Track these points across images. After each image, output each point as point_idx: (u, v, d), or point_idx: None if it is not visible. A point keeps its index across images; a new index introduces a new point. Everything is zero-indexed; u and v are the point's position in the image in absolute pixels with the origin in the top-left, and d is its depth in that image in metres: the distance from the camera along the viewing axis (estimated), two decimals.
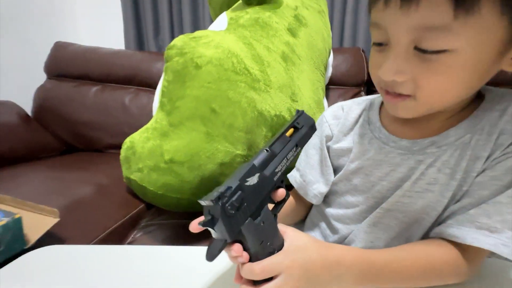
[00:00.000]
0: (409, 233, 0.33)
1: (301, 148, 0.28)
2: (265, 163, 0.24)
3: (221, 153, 0.46)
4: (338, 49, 1.11)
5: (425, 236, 0.32)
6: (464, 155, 0.29)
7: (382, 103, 0.37)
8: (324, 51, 0.74)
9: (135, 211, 0.66)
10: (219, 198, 0.20)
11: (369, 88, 1.10)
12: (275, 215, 0.25)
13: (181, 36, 0.53)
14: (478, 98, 0.31)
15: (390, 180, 0.33)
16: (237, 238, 0.22)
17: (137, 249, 0.40)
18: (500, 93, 0.30)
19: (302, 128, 0.28)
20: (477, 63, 0.25)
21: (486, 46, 0.24)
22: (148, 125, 0.50)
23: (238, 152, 0.47)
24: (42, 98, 1.15)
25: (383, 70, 0.27)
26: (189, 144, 0.45)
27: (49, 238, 0.45)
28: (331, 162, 0.38)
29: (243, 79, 0.50)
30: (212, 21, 1.17)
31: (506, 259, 0.27)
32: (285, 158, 0.26)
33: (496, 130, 0.28)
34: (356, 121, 0.37)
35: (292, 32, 0.65)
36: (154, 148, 0.46)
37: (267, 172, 0.24)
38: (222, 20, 0.68)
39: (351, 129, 0.37)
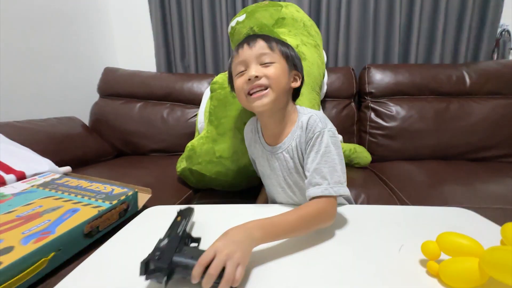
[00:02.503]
0: (300, 191, 0.59)
1: (186, 219, 0.46)
2: (172, 230, 0.41)
3: None
4: (333, 68, 1.36)
5: None
6: (295, 152, 0.55)
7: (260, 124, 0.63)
8: (318, 76, 1.00)
9: (186, 195, 0.92)
10: (148, 260, 0.33)
11: (359, 100, 1.35)
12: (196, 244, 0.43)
13: (220, 75, 0.80)
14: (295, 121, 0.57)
15: (271, 168, 0.60)
16: (169, 267, 0.33)
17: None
18: (302, 114, 0.56)
19: (184, 210, 0.49)
20: (283, 71, 0.54)
21: (284, 67, 0.54)
22: (202, 134, 0.77)
23: None
24: (97, 113, 1.43)
25: (250, 72, 0.51)
26: (231, 146, 0.72)
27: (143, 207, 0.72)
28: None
29: None
30: (229, 48, 1.45)
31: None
32: (181, 225, 0.42)
33: (300, 134, 0.54)
34: (252, 133, 0.64)
35: None
36: (209, 149, 0.73)
37: (174, 233, 0.39)
38: None
39: (251, 137, 0.65)
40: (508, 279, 0.30)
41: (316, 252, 0.43)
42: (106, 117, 1.40)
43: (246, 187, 0.84)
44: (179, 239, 0.38)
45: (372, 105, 1.24)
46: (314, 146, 0.51)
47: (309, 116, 0.53)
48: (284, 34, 1.01)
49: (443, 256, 0.38)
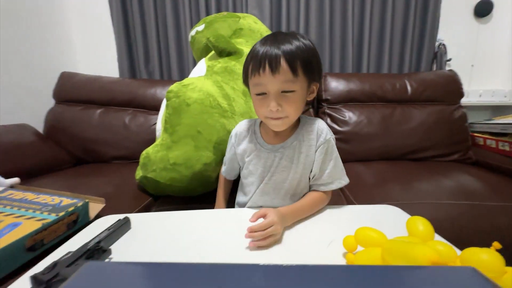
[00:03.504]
0: (282, 194, 0.63)
1: (110, 230, 0.49)
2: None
3: (204, 157, 0.75)
4: None
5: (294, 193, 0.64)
6: (296, 151, 0.60)
7: (260, 124, 0.65)
8: None
9: (145, 202, 0.91)
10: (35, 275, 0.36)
11: (317, 106, 1.44)
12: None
13: (175, 84, 0.82)
14: (298, 122, 0.62)
15: (264, 166, 0.62)
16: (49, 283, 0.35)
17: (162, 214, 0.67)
18: (306, 119, 0.63)
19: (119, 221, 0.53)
20: (303, 96, 0.55)
21: (304, 89, 0.55)
22: (157, 142, 0.79)
23: (214, 156, 0.77)
24: (53, 120, 1.36)
25: (270, 105, 0.52)
26: (184, 153, 0.74)
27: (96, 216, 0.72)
28: (238, 158, 0.67)
29: (217, 111, 0.80)
30: (192, 56, 1.46)
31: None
32: (97, 237, 0.46)
33: (309, 137, 0.60)
34: (247, 132, 0.65)
35: None
36: (163, 156, 0.74)
37: (85, 245, 0.43)
38: (202, 67, 0.97)
39: (246, 136, 0.65)
40: (400, 264, 0.35)
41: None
42: (63, 124, 1.35)
43: (202, 192, 0.87)
44: (81, 253, 0.41)
45: (328, 111, 1.33)
46: (327, 152, 0.60)
47: (318, 121, 0.62)
48: (242, 44, 1.06)
49: (360, 248, 0.44)
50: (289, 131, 0.61)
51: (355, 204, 0.88)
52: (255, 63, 0.52)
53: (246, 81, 0.59)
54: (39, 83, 1.43)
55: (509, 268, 0.31)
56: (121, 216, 0.62)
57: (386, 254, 0.37)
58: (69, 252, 0.41)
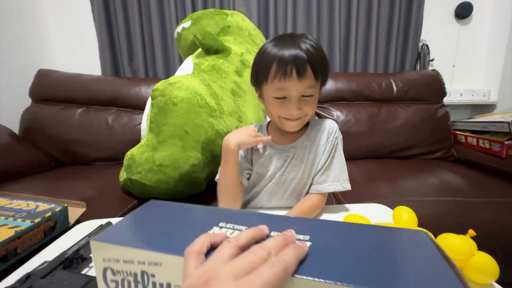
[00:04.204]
0: (288, 193, 0.63)
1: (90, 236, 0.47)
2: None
3: (192, 158, 0.73)
4: None
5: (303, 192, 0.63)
6: (306, 151, 0.60)
7: (268, 125, 0.65)
8: None
9: (129, 206, 0.88)
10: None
11: None
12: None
13: (161, 82, 0.79)
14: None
15: (275, 166, 0.62)
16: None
17: None
18: (316, 119, 0.63)
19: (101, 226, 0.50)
20: (317, 98, 0.56)
21: (319, 92, 0.55)
22: (142, 142, 0.75)
23: (203, 157, 0.75)
24: (29, 120, 1.29)
25: (291, 112, 0.53)
26: (171, 154, 0.71)
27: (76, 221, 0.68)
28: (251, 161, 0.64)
29: (204, 110, 0.77)
30: (178, 53, 1.42)
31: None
32: (76, 245, 0.43)
33: (320, 137, 0.60)
34: None
35: (239, 73, 0.94)
36: (148, 158, 0.71)
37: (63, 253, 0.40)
38: (189, 65, 0.94)
39: None
40: None
41: None
42: (40, 124, 1.28)
43: (190, 194, 0.84)
44: (58, 263, 0.38)
45: (316, 110, 1.33)
46: (334, 150, 0.60)
47: (329, 122, 0.62)
48: (230, 42, 1.04)
49: None
50: (298, 131, 0.61)
51: (344, 203, 0.88)
52: (281, 66, 0.50)
53: (259, 84, 0.56)
54: (14, 81, 1.35)
55: (478, 252, 0.36)
56: (103, 221, 0.58)
57: None
58: (45, 262, 0.38)
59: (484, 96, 1.56)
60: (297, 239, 0.23)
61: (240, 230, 0.25)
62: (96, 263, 0.25)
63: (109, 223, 0.51)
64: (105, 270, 0.25)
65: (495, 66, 1.54)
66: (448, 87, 1.48)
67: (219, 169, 0.60)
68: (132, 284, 0.24)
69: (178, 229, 0.26)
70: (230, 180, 0.58)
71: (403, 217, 0.45)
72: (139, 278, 0.23)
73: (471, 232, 0.39)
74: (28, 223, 0.52)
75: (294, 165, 0.61)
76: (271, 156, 0.61)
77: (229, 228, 0.26)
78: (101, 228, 0.48)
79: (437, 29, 1.59)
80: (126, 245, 0.24)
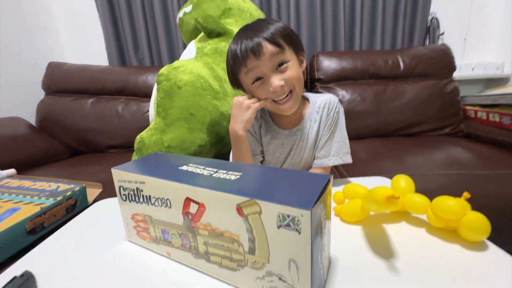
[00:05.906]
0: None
1: None
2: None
3: (198, 139, 0.76)
4: None
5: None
6: (310, 130, 0.62)
7: (269, 113, 0.65)
8: None
9: None
10: None
11: (310, 86, 1.43)
12: None
13: (166, 67, 0.81)
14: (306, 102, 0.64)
15: (283, 151, 0.64)
16: None
17: None
18: (315, 96, 0.64)
19: None
20: (297, 65, 0.55)
21: (295, 59, 0.55)
22: (151, 126, 0.79)
23: (209, 138, 0.77)
24: (44, 112, 1.35)
25: (273, 84, 0.51)
26: (178, 136, 0.75)
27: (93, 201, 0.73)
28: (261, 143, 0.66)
29: (208, 93, 0.79)
30: (182, 39, 1.43)
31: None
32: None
33: (321, 114, 0.61)
34: (260, 123, 0.65)
35: None
36: (157, 140, 0.75)
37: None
38: (192, 49, 0.96)
39: (260, 126, 0.65)
40: (375, 209, 0.41)
41: None
42: (55, 116, 1.34)
43: None
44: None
45: (321, 90, 1.33)
46: (334, 125, 0.61)
47: (328, 96, 0.62)
48: (231, 24, 1.04)
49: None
50: (301, 111, 0.62)
51: (346, 177, 0.90)
52: (237, 54, 0.52)
53: (236, 82, 0.58)
54: (26, 74, 1.40)
55: (471, 212, 0.37)
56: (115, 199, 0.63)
57: (365, 203, 0.41)
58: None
59: (498, 69, 1.50)
60: (233, 174, 0.32)
61: (200, 169, 0.35)
62: (116, 183, 0.40)
63: (28, 274, 0.37)
64: (119, 187, 0.39)
65: (510, 36, 1.46)
66: (459, 61, 1.43)
67: (231, 157, 0.63)
68: (132, 196, 0.38)
69: (160, 165, 0.39)
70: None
71: (401, 184, 0.45)
72: (135, 192, 0.37)
73: (466, 194, 0.40)
74: (51, 201, 0.57)
75: (301, 147, 0.63)
76: (280, 142, 0.64)
77: (191, 167, 0.36)
78: (14, 278, 0.37)
79: (447, 1, 1.52)
80: (128, 171, 0.37)
